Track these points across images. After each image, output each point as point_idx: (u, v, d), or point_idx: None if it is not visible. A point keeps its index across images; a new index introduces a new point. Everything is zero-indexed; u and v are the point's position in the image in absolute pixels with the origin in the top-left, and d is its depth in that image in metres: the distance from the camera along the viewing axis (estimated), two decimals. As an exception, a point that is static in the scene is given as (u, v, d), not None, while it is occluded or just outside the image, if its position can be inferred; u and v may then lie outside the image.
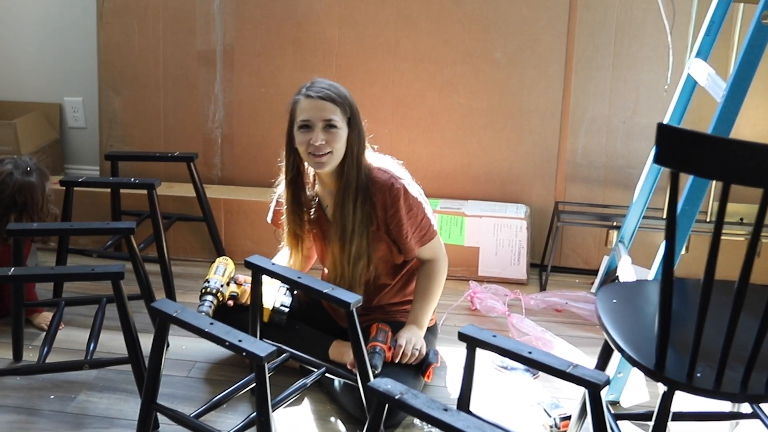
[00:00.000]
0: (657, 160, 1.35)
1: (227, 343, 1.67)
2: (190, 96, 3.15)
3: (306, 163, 2.15)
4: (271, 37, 3.03)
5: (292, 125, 2.09)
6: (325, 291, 1.89)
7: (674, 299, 1.78)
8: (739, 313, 1.43)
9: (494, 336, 1.70)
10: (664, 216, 2.71)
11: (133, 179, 2.64)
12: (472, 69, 2.91)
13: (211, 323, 1.74)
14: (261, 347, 1.65)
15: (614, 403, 2.16)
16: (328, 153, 2.04)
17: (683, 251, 2.38)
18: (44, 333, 2.26)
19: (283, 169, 2.18)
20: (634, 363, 1.55)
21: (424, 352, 2.15)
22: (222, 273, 2.27)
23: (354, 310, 1.87)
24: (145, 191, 2.58)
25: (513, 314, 2.58)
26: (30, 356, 2.38)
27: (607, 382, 1.58)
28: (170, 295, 2.61)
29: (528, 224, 2.85)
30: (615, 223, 2.77)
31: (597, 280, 2.77)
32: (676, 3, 2.49)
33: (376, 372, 2.01)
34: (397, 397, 1.50)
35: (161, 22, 3.10)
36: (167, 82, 3.16)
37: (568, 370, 1.59)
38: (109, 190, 2.86)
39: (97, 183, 2.63)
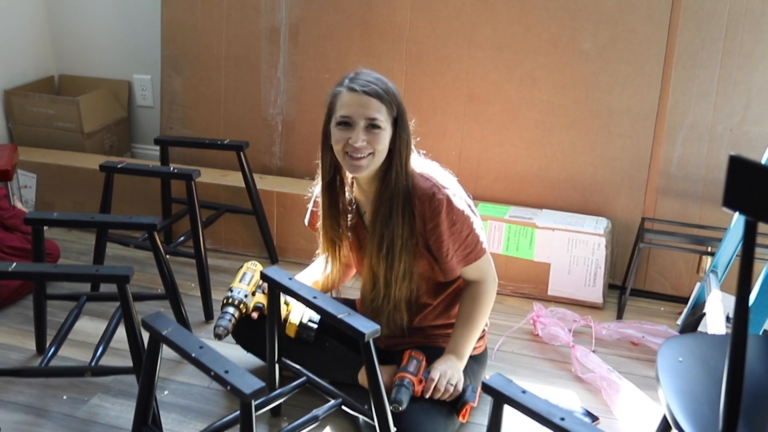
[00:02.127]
0: (725, 201, 1.10)
1: (212, 373, 1.53)
2: (252, 79, 3.11)
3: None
4: (338, 17, 2.96)
5: (329, 119, 1.94)
6: (339, 317, 1.71)
7: (760, 364, 1.54)
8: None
9: (523, 392, 1.48)
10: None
11: (173, 168, 2.56)
12: (556, 61, 2.75)
13: (201, 347, 1.60)
14: (247, 383, 1.49)
15: None
16: (369, 155, 1.87)
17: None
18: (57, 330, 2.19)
19: (320, 170, 2.04)
20: None
21: (460, 388, 1.96)
22: (248, 281, 2.13)
23: (370, 341, 1.70)
24: (182, 182, 2.52)
25: (578, 346, 2.34)
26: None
27: None
28: (205, 292, 2.53)
29: (608, 241, 2.64)
30: (710, 249, 2.52)
31: (684, 313, 2.49)
32: None
33: (401, 408, 1.85)
34: None
35: (225, 1, 3.08)
36: (229, 62, 3.13)
37: None
38: (159, 180, 2.84)
39: (136, 170, 2.54)
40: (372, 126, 1.87)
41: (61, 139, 3.29)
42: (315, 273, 2.24)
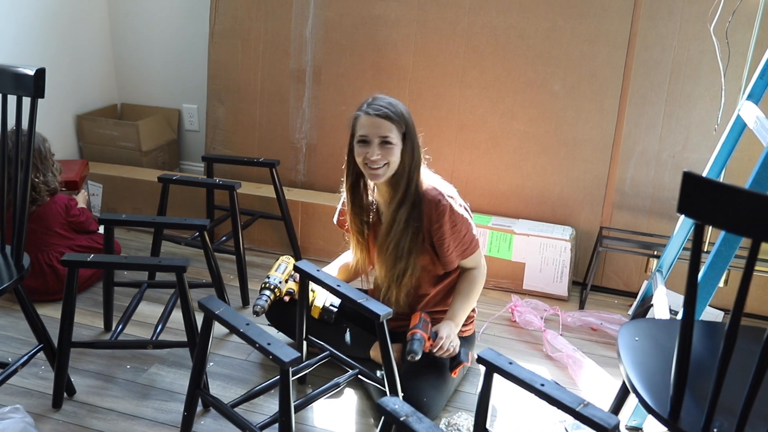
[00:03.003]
0: (680, 209, 1.11)
1: (257, 345, 1.53)
2: (282, 109, 3.07)
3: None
4: (353, 60, 2.92)
5: (353, 137, 1.93)
6: (359, 301, 1.72)
7: (701, 343, 1.54)
8: (767, 365, 1.16)
9: (510, 363, 1.49)
10: (706, 249, 2.41)
11: (218, 180, 2.53)
12: (531, 98, 2.71)
13: (247, 324, 1.59)
14: (287, 353, 1.49)
15: (637, 429, 1.89)
16: (384, 166, 1.87)
17: (721, 284, 2.06)
18: (124, 310, 2.17)
19: (344, 175, 2.02)
20: (648, 409, 1.32)
21: (458, 348, 1.96)
22: (282, 271, 2.12)
23: (384, 322, 1.69)
24: (225, 192, 2.48)
25: (549, 330, 2.33)
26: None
27: (616, 428, 1.32)
28: (243, 283, 2.49)
29: (573, 245, 2.61)
30: (656, 252, 2.49)
31: (634, 305, 2.47)
32: (732, 45, 2.17)
33: (416, 358, 1.86)
34: (401, 419, 1.31)
35: (261, 44, 3.02)
36: (263, 95, 3.08)
37: (578, 409, 1.35)
38: (204, 189, 2.79)
39: (188, 182, 2.52)
40: (385, 142, 1.87)
41: (122, 156, 3.25)
42: (339, 265, 2.22)
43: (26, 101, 1.69)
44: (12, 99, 1.71)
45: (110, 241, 2.15)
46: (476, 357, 1.53)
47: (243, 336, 1.56)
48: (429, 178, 1.99)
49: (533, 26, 2.64)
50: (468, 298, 2.03)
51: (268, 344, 1.51)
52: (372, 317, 1.67)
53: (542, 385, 1.41)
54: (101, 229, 2.68)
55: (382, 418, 1.36)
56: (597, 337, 2.38)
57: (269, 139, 3.10)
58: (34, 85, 1.67)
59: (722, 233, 1.68)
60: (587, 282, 2.64)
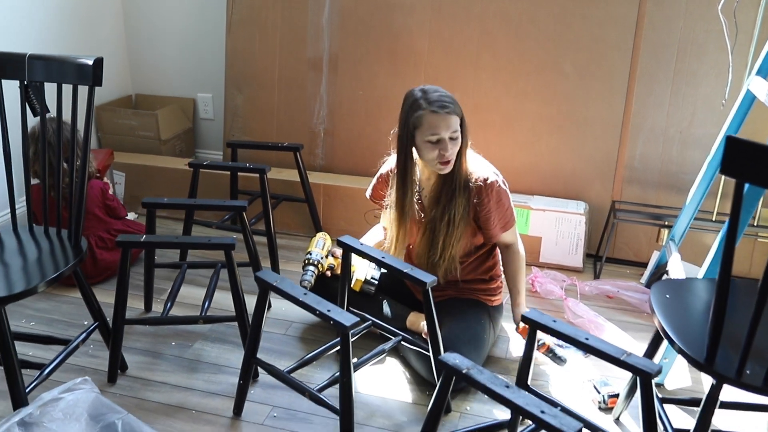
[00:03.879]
0: (723, 170, 1.21)
1: (317, 312, 1.63)
2: (300, 96, 3.13)
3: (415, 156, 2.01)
4: (369, 47, 2.98)
5: (413, 132, 1.92)
6: (405, 270, 1.82)
7: (753, 310, 1.64)
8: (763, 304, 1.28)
9: (554, 321, 1.60)
10: (714, 218, 2.54)
11: (248, 164, 2.59)
12: (543, 80, 2.80)
13: (305, 293, 1.70)
14: (347, 317, 1.60)
15: (659, 385, 2.01)
16: (452, 158, 1.93)
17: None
18: (169, 290, 2.25)
19: (395, 161, 2.03)
20: (685, 355, 1.43)
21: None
22: (322, 247, 2.22)
23: (429, 289, 1.78)
24: (257, 175, 2.55)
25: (569, 298, 2.45)
26: (157, 308, 2.40)
27: (659, 372, 1.44)
28: (274, 263, 2.57)
29: (586, 219, 2.72)
30: (666, 223, 2.61)
31: (647, 273, 2.61)
32: (739, 24, 2.28)
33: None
34: (464, 372, 1.42)
35: (278, 32, 3.08)
36: (281, 83, 3.14)
37: (622, 358, 1.47)
38: (228, 172, 2.84)
39: (218, 166, 2.60)
40: (453, 138, 1.91)
41: (141, 145, 3.30)
42: (375, 238, 2.27)
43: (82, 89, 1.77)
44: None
45: (152, 224, 2.23)
46: (522, 317, 1.63)
47: (302, 304, 1.66)
48: (474, 156, 2.06)
49: (544, 11, 2.72)
50: (520, 280, 2.14)
51: (328, 311, 1.61)
52: (418, 285, 1.77)
53: (587, 339, 1.52)
54: (129, 216, 2.76)
55: (443, 373, 1.46)
56: (614, 304, 2.49)
57: (288, 125, 3.16)
58: (93, 74, 1.75)
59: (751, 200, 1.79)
60: (601, 254, 2.74)
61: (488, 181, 1.99)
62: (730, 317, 1.55)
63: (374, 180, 2.22)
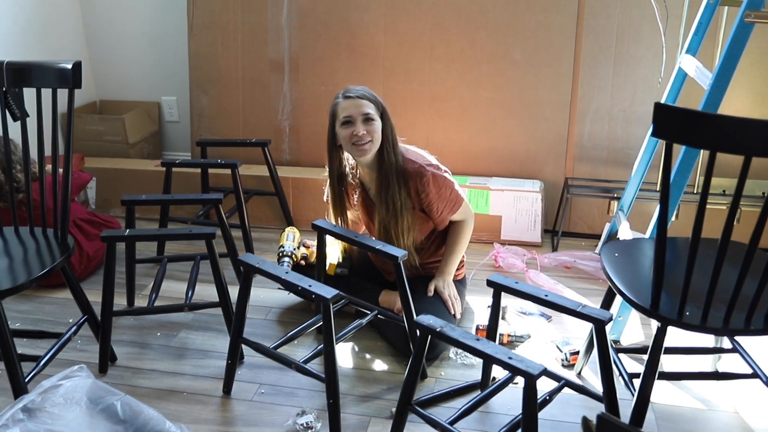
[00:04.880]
0: (654, 133, 1.37)
1: (299, 288, 1.73)
2: (264, 94, 3.19)
3: (347, 156, 2.14)
4: (329, 44, 3.06)
5: (333, 125, 2.07)
6: (377, 247, 1.93)
7: (667, 253, 1.79)
8: (722, 262, 1.44)
9: (516, 282, 1.74)
10: (658, 188, 2.72)
11: (219, 160, 2.68)
12: (495, 68, 2.91)
13: (287, 272, 1.80)
14: (327, 290, 1.70)
15: (615, 342, 2.17)
16: (369, 141, 2.02)
17: (673, 218, 2.36)
18: (151, 283, 2.32)
19: (327, 168, 2.17)
20: (633, 304, 1.58)
21: (456, 295, 2.18)
22: (293, 239, 2.32)
23: (401, 262, 1.90)
24: (229, 171, 2.63)
25: (530, 270, 2.59)
26: (140, 302, 2.45)
27: (611, 319, 1.60)
28: (249, 251, 2.65)
29: (542, 197, 2.85)
30: (615, 195, 2.77)
31: (600, 243, 2.78)
32: (669, 8, 2.47)
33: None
34: (438, 330, 1.54)
35: (240, 35, 3.13)
36: (245, 83, 3.20)
37: (578, 309, 1.62)
38: (198, 170, 2.90)
39: (190, 164, 2.68)
40: (367, 119, 2.01)
41: (109, 150, 3.32)
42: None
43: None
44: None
45: (132, 220, 2.30)
46: (487, 281, 1.76)
47: (284, 282, 1.76)
48: (405, 150, 2.14)
49: (492, 2, 2.83)
50: (455, 251, 2.22)
51: (309, 285, 1.71)
52: (390, 259, 1.89)
53: (546, 296, 1.66)
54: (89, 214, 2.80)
55: (419, 333, 1.57)
56: (571, 273, 2.64)
57: (253, 123, 3.22)
58: (73, 77, 1.82)
59: (676, 165, 1.96)
60: (558, 228, 2.87)
61: (424, 175, 2.07)
62: (673, 269, 1.70)
63: (326, 186, 2.29)
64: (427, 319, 1.57)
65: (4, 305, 2.36)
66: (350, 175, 2.20)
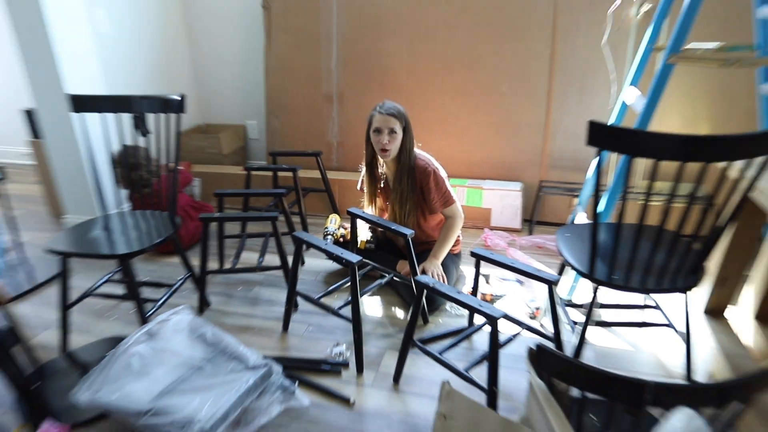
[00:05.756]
0: (588, 142, 1.38)
1: (334, 255, 1.79)
2: (318, 119, 3.24)
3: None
4: (365, 82, 3.09)
5: (369, 129, 2.11)
6: (393, 227, 1.98)
7: (605, 233, 1.82)
8: (639, 241, 1.47)
9: (491, 254, 1.77)
10: (605, 189, 2.72)
11: (284, 166, 2.74)
12: (488, 98, 2.91)
13: (326, 243, 1.85)
14: (353, 257, 1.77)
15: (568, 300, 2.17)
16: (389, 150, 2.06)
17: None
18: (234, 252, 2.43)
19: (364, 157, 2.21)
20: (576, 270, 1.60)
21: (442, 273, 2.15)
22: (334, 223, 2.40)
23: (410, 238, 1.94)
24: (291, 173, 2.72)
25: (510, 248, 2.62)
26: (226, 266, 2.52)
27: (557, 281, 1.63)
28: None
29: (522, 194, 2.86)
30: (576, 194, 2.76)
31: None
32: (618, 51, 2.47)
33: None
34: (430, 285, 1.60)
35: (302, 75, 3.18)
36: (305, 110, 3.24)
37: (535, 273, 1.64)
38: (270, 173, 2.99)
39: (264, 168, 2.73)
40: (391, 132, 2.04)
41: (209, 159, 3.40)
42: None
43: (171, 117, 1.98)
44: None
45: (221, 207, 2.39)
46: (470, 252, 1.81)
47: (324, 250, 1.82)
48: (420, 154, 2.18)
49: (485, 50, 2.85)
50: (445, 241, 2.21)
51: (342, 254, 1.78)
52: (401, 236, 1.94)
53: (513, 263, 1.71)
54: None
55: (418, 288, 1.65)
56: (542, 251, 2.65)
57: (311, 140, 3.27)
58: (178, 105, 1.96)
59: (616, 173, 1.98)
60: (533, 218, 2.88)
61: (427, 170, 2.11)
62: (607, 245, 1.75)
63: (360, 177, 2.34)
64: (424, 279, 1.65)
65: (138, 266, 2.53)
66: (378, 166, 2.21)
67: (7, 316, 1.87)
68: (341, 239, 2.38)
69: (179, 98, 1.94)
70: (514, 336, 1.71)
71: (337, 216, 2.43)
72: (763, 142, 1.25)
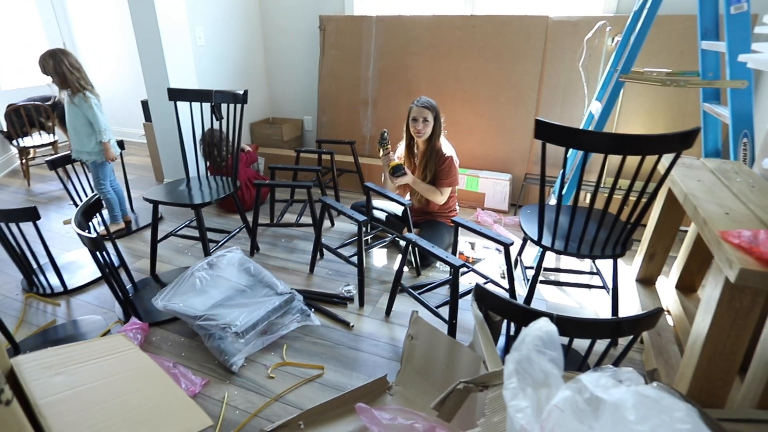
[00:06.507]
0: (535, 136, 1.42)
1: (346, 213, 1.86)
2: (355, 117, 3.25)
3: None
4: (394, 89, 3.11)
5: (408, 117, 2.14)
6: (394, 197, 2.01)
7: (563, 213, 1.84)
8: (574, 216, 1.51)
9: (466, 221, 1.81)
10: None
11: (324, 150, 2.82)
12: (489, 106, 2.89)
13: (342, 207, 1.94)
14: (361, 217, 1.83)
15: (529, 266, 2.18)
16: (423, 133, 2.11)
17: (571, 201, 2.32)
18: (280, 212, 2.57)
19: (404, 137, 2.24)
20: (529, 238, 1.62)
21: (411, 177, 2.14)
22: (398, 158, 2.27)
23: (407, 207, 1.99)
24: (329, 156, 2.79)
25: (496, 224, 2.63)
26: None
27: (511, 243, 1.68)
28: (338, 201, 2.78)
29: (510, 183, 2.84)
30: (551, 185, 2.72)
31: (541, 213, 2.77)
32: (593, 71, 2.43)
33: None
34: (413, 240, 1.69)
35: (345, 82, 3.23)
36: (347, 110, 3.29)
37: (497, 237, 1.68)
38: (315, 155, 3.07)
39: (309, 151, 2.81)
40: (424, 120, 2.09)
41: (273, 143, 3.47)
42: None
43: (237, 107, 2.11)
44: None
45: (273, 177, 2.50)
46: (451, 220, 1.89)
47: (340, 211, 1.91)
48: (444, 142, 2.21)
49: (490, 67, 2.82)
50: (427, 188, 2.19)
51: (351, 215, 1.86)
52: (401, 204, 2.00)
53: (482, 230, 1.76)
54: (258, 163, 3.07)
55: (406, 243, 1.75)
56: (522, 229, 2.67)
57: (350, 132, 3.31)
58: (243, 98, 2.10)
59: (569, 164, 1.98)
60: (518, 202, 2.88)
61: (445, 156, 2.15)
62: (560, 222, 1.77)
63: (398, 150, 2.37)
64: (411, 236, 1.72)
65: (208, 217, 2.70)
66: (415, 147, 2.23)
67: (117, 249, 2.10)
68: (390, 156, 2.22)
69: (242, 93, 2.07)
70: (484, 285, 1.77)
71: (401, 162, 2.25)
72: (667, 142, 1.26)
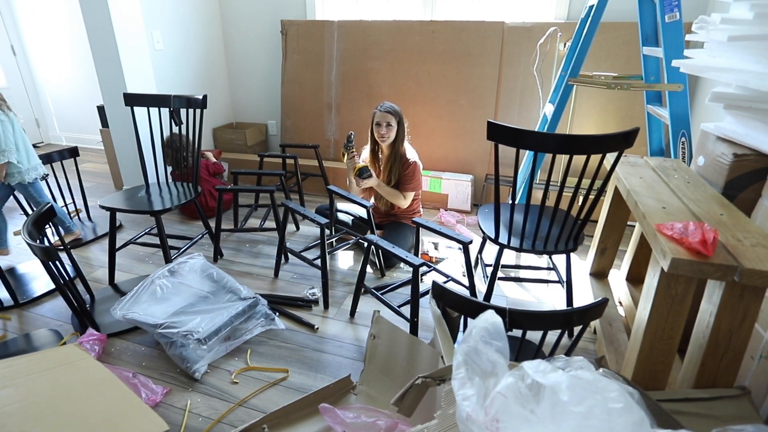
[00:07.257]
0: (487, 137, 1.46)
1: (310, 217, 1.85)
2: (319, 121, 3.25)
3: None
4: (357, 94, 3.12)
5: (372, 122, 2.16)
6: (356, 200, 2.03)
7: (518, 211, 1.90)
8: (527, 214, 1.56)
9: (426, 222, 1.83)
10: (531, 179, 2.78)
11: (289, 155, 2.82)
12: (449, 109, 2.94)
13: (304, 210, 1.94)
14: (323, 220, 1.83)
15: (489, 264, 2.27)
16: (387, 137, 2.12)
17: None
18: (243, 217, 2.53)
19: (368, 142, 2.25)
20: (488, 237, 1.66)
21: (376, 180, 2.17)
22: (362, 160, 2.26)
23: (369, 210, 2.01)
24: (293, 160, 2.78)
25: (458, 224, 2.67)
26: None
27: (470, 242, 1.72)
28: (302, 205, 2.79)
29: (472, 184, 2.89)
30: (511, 185, 2.80)
31: (502, 212, 2.84)
32: (547, 74, 2.51)
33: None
34: (375, 242, 1.70)
35: (308, 86, 3.21)
36: (310, 114, 3.28)
37: (456, 237, 1.72)
38: (280, 159, 3.06)
39: (272, 155, 2.78)
40: (387, 125, 2.10)
41: (237, 148, 3.44)
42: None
43: (196, 112, 2.07)
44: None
45: (236, 182, 2.51)
46: (412, 221, 1.91)
47: (303, 214, 1.90)
48: (408, 147, 2.23)
49: (449, 71, 2.87)
50: (391, 192, 2.21)
51: (314, 217, 1.85)
52: (363, 207, 2.01)
53: (442, 230, 1.80)
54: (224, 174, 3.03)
55: (368, 244, 1.76)
56: None
57: (313, 136, 3.30)
58: (202, 103, 2.07)
59: (524, 164, 2.05)
60: (479, 202, 2.94)
61: (409, 162, 2.18)
62: (514, 220, 1.83)
63: (363, 154, 2.36)
64: (374, 239, 1.74)
65: (169, 224, 2.64)
66: (379, 152, 2.24)
67: (72, 258, 2.02)
68: (355, 159, 2.21)
69: (201, 98, 2.04)
70: (445, 283, 1.80)
71: (367, 165, 2.23)
72: (609, 141, 1.33)
